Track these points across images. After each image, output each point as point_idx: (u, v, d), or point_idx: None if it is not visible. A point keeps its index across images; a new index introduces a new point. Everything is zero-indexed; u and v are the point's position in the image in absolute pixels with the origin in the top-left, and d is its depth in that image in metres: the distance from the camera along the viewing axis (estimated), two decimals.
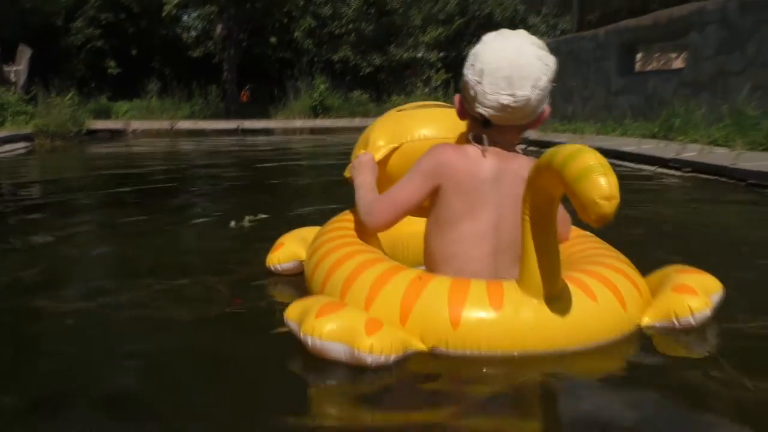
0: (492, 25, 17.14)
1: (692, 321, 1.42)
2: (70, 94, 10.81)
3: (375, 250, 1.63)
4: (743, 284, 1.74)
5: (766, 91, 5.44)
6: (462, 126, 1.75)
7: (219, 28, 15.06)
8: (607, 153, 5.15)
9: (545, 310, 1.32)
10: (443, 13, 17.04)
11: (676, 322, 1.43)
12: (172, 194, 4.14)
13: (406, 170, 1.68)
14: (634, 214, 2.66)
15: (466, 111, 1.60)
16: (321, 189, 4.35)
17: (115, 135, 10.96)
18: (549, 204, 1.27)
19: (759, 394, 1.13)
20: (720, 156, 4.13)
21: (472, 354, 1.30)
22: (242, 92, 18.02)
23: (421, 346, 1.32)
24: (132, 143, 9.60)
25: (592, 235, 1.76)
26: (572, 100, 9.51)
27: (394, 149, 1.86)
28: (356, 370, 1.26)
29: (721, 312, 1.48)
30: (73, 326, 1.58)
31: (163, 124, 11.59)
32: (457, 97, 1.62)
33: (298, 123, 11.84)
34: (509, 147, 1.58)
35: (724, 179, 3.69)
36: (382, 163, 1.87)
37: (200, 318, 1.62)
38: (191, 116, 13.46)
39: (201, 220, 3.17)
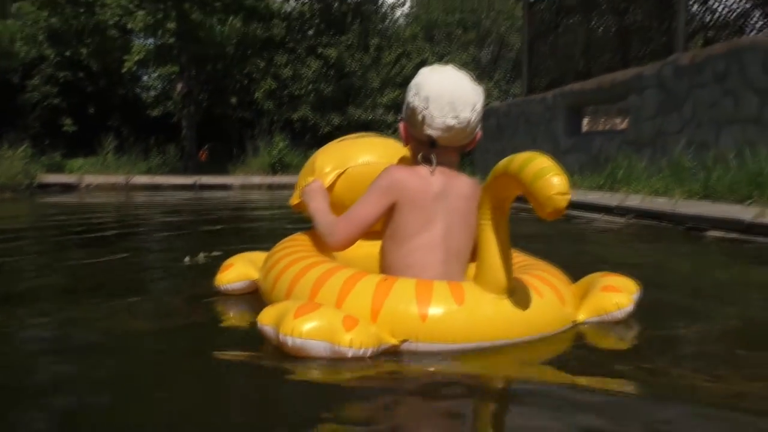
0: None
1: (619, 315, 1.69)
2: (22, 147, 10.66)
3: (335, 260, 1.76)
4: (668, 297, 2.05)
5: (700, 147, 5.78)
6: (396, 152, 2.01)
7: (179, 87, 15.18)
8: None
9: (502, 304, 1.48)
10: (400, 77, 17.63)
11: (606, 317, 1.68)
12: (126, 237, 4.11)
13: (352, 193, 1.90)
14: (582, 253, 2.78)
15: (411, 136, 1.79)
16: (277, 233, 4.36)
17: (67, 189, 10.75)
18: (503, 206, 1.47)
19: (676, 379, 1.31)
20: (660, 203, 4.35)
21: (438, 346, 1.43)
22: (201, 151, 18.03)
23: (392, 340, 1.42)
24: (85, 196, 9.44)
25: (521, 252, 1.97)
26: None
27: (340, 174, 2.02)
28: (316, 373, 1.32)
29: (648, 314, 1.74)
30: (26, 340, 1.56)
31: (118, 179, 11.43)
32: (402, 125, 1.81)
33: (257, 179, 11.87)
34: (452, 166, 1.78)
35: (664, 224, 3.87)
36: (330, 188, 2.02)
37: (157, 330, 1.64)
38: (148, 172, 13.35)
39: (155, 256, 3.17)
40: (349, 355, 1.35)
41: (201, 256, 2.82)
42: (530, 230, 3.73)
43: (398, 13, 21.73)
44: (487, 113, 11.39)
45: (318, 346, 1.34)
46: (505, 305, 1.48)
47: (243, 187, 11.39)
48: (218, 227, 4.90)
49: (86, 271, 2.60)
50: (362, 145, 2.11)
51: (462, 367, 1.41)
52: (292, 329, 1.34)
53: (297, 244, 1.93)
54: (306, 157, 14.56)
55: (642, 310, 1.75)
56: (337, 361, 1.35)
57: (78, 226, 4.85)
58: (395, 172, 1.74)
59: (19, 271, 2.60)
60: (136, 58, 13.98)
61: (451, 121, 1.68)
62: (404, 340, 1.43)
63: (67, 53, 15.73)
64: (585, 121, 10.85)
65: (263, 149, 14.04)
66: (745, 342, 1.61)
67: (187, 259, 2.79)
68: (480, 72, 19.43)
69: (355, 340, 1.35)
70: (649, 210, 4.16)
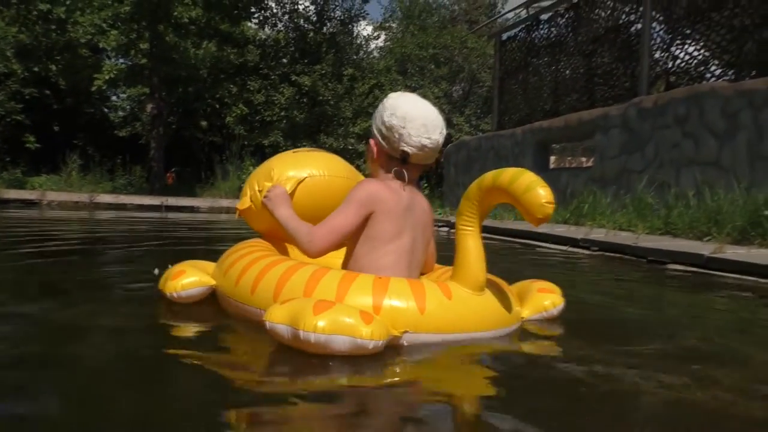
0: None
1: (554, 312, 1.97)
2: None
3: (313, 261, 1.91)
4: (627, 316, 2.10)
5: (661, 186, 5.97)
6: (345, 168, 2.25)
7: (149, 108, 15.07)
8: (522, 234, 5.48)
9: (481, 299, 1.70)
10: (373, 107, 17.81)
11: (545, 314, 1.96)
12: (91, 252, 4.03)
13: (310, 201, 2.07)
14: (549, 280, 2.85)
15: (382, 152, 1.93)
16: None
17: (28, 205, 10.50)
18: (484, 214, 1.74)
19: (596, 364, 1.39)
20: (623, 237, 4.47)
21: (433, 337, 1.60)
22: (168, 174, 17.84)
23: (395, 332, 1.55)
24: (47, 212, 9.22)
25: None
26: None
27: (300, 182, 2.10)
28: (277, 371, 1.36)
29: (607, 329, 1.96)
30: None
31: (82, 197, 11.20)
32: (372, 141, 1.95)
33: (225, 202, 11.77)
34: (414, 183, 1.96)
35: (627, 257, 3.98)
36: (290, 195, 2.08)
37: (121, 329, 1.68)
38: (113, 192, 13.13)
39: (122, 268, 3.11)
40: (370, 347, 1.45)
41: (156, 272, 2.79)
42: (502, 263, 3.81)
43: (373, 45, 22.12)
44: (458, 146, 11.59)
45: (341, 341, 1.43)
46: (485, 299, 1.71)
47: (211, 209, 11.29)
48: (189, 244, 4.86)
49: (43, 276, 2.55)
50: (317, 158, 2.22)
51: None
52: (314, 326, 1.43)
53: (260, 247, 2.02)
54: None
55: (603, 325, 2.02)
56: (304, 363, 1.44)
57: (41, 240, 4.75)
58: (370, 186, 1.87)
59: None
60: (107, 76, 13.85)
61: (425, 141, 1.86)
62: (405, 331, 1.57)
63: (36, 69, 15.47)
64: (552, 159, 11.12)
65: (233, 173, 13.97)
66: (698, 357, 1.70)
67: (156, 270, 2.75)
68: (451, 107, 19.81)
69: (375, 333, 1.45)
70: (612, 243, 4.28)
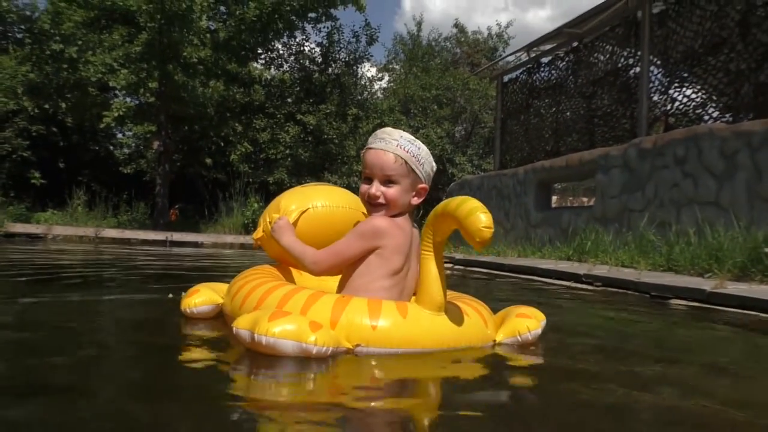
0: None
1: (529, 336, 2.04)
2: None
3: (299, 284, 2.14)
4: (633, 347, 2.14)
5: (662, 225, 6.05)
6: (349, 199, 2.42)
7: (155, 144, 15.29)
8: (525, 270, 5.54)
9: (438, 319, 1.84)
10: None
11: (519, 338, 2.03)
12: (104, 279, 4.08)
13: (312, 229, 2.29)
14: (551, 319, 2.91)
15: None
16: None
17: (34, 239, 10.59)
18: (443, 240, 1.87)
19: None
20: (626, 273, 4.53)
21: (385, 351, 1.75)
22: (171, 211, 17.97)
23: (347, 344, 1.74)
24: (52, 245, 9.30)
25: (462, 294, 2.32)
26: (495, 230, 10.09)
27: (303, 212, 2.32)
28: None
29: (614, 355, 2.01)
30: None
31: (87, 231, 11.30)
32: (424, 186, 2.08)
33: (229, 238, 11.85)
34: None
35: (630, 292, 4.04)
36: (293, 224, 2.30)
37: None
38: (118, 227, 13.22)
39: (136, 296, 3.18)
40: (314, 351, 1.64)
41: (183, 294, 2.88)
42: (503, 295, 3.86)
43: (376, 86, 22.52)
44: (461, 185, 11.73)
45: (287, 344, 1.64)
46: (441, 320, 1.85)
47: (215, 244, 11.35)
48: (196, 275, 4.91)
49: (65, 307, 2.61)
50: (322, 191, 2.44)
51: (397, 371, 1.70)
52: (266, 330, 1.64)
53: (264, 273, 2.25)
54: None
55: (608, 352, 2.08)
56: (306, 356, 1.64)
57: (51, 269, 4.81)
58: (379, 222, 2.01)
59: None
60: (116, 114, 14.09)
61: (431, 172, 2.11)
62: (357, 345, 1.73)
63: (46, 106, 15.77)
64: (554, 198, 11.24)
65: (237, 210, 14.09)
66: (702, 376, 1.76)
67: (170, 295, 2.87)
68: (454, 146, 20.05)
69: (320, 340, 1.64)
70: (616, 279, 4.34)
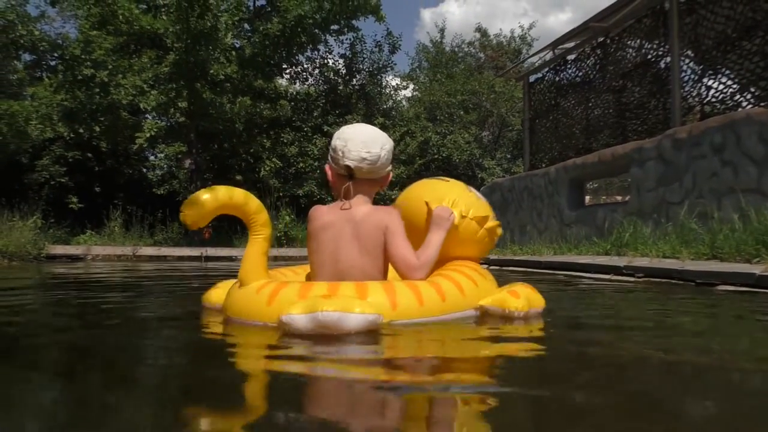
0: (451, 166, 18.18)
1: (515, 314, 2.13)
2: (33, 218, 10.82)
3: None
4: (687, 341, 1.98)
5: (702, 216, 5.88)
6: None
7: (187, 163, 15.54)
8: (564, 266, 5.43)
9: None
10: (404, 154, 18.06)
11: (501, 310, 2.13)
12: (146, 290, 4.13)
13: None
14: (594, 313, 2.82)
15: (334, 173, 2.28)
16: None
17: (74, 260, 10.81)
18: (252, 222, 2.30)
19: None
20: (669, 263, 4.40)
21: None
22: (204, 230, 18.16)
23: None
24: (92, 264, 9.48)
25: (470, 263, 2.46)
26: (528, 230, 9.96)
27: (463, 218, 2.41)
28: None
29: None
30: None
31: (125, 250, 11.51)
32: (327, 167, 2.30)
33: None
34: (369, 196, 2.29)
35: (674, 281, 3.92)
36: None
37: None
38: (153, 245, 13.44)
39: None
40: (370, 320, 1.79)
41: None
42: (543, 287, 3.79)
43: (401, 94, 22.57)
44: (492, 188, 11.62)
45: (352, 318, 1.79)
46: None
47: None
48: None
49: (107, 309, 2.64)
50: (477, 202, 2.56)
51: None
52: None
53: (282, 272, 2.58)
54: None
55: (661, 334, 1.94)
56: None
57: (96, 284, 4.89)
58: (313, 211, 2.35)
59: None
60: (148, 134, 14.37)
61: (365, 154, 2.19)
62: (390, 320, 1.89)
63: (81, 131, 16.17)
64: (587, 199, 11.04)
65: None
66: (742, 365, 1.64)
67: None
68: (482, 151, 19.92)
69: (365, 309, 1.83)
70: (658, 268, 4.22)
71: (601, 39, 9.47)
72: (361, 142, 2.19)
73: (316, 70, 19.78)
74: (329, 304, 1.75)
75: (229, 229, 17.61)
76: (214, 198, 2.05)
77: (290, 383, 1.37)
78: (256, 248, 2.16)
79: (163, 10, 14.32)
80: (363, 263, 2.16)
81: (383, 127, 18.28)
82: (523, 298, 2.19)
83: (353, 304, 1.77)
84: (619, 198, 14.82)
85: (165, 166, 21.27)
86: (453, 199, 2.41)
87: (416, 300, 1.93)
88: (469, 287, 2.12)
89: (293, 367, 1.53)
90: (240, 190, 2.16)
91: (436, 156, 18.64)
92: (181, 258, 11.15)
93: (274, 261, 11.13)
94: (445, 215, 2.30)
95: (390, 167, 2.34)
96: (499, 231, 2.57)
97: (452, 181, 2.59)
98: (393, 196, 16.92)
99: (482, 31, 26.21)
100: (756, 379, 1.46)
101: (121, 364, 1.61)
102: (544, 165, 10.72)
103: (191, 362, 1.68)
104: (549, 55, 11.11)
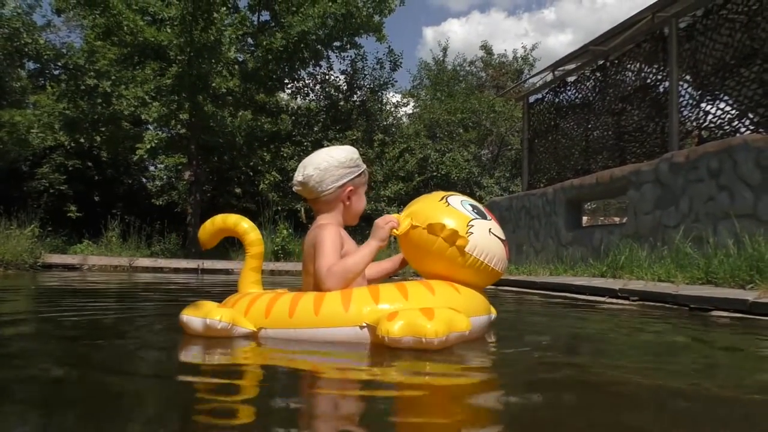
0: (449, 184, 18.24)
1: (431, 341, 1.82)
2: (30, 227, 10.81)
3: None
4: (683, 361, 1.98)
5: (698, 240, 5.89)
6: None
7: (187, 174, 15.57)
8: (559, 287, 5.43)
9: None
10: (403, 171, 18.12)
11: (418, 339, 1.86)
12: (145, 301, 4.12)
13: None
14: (583, 333, 2.82)
15: None
16: None
17: (70, 269, 10.80)
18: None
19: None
20: (664, 287, 4.41)
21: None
22: None
23: (251, 326, 2.11)
24: (88, 274, 9.46)
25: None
26: (525, 250, 9.97)
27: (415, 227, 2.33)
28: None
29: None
30: None
31: (121, 261, 11.49)
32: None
33: None
34: (317, 215, 2.40)
35: (668, 305, 3.93)
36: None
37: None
38: (150, 256, 13.42)
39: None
40: (218, 327, 2.04)
41: None
42: (533, 310, 3.79)
43: (402, 111, 22.69)
44: (490, 207, 11.65)
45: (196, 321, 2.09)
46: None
47: None
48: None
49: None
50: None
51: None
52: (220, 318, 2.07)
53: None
54: None
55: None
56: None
57: (95, 292, 4.88)
58: None
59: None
60: (149, 146, 14.40)
61: (298, 177, 2.33)
62: (261, 328, 2.05)
63: (81, 140, 16.21)
64: (584, 219, 11.08)
65: (267, 237, 14.19)
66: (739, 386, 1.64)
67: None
68: (481, 169, 20.00)
69: (224, 317, 2.06)
70: (653, 292, 4.23)
71: (601, 62, 9.55)
72: (301, 165, 2.34)
73: (317, 86, 19.90)
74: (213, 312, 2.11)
75: (225, 241, 17.60)
76: (211, 224, 2.53)
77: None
78: (248, 264, 2.50)
79: (168, 22, 14.43)
80: (312, 278, 2.27)
81: (383, 144, 18.37)
82: (438, 319, 1.85)
83: (215, 313, 2.06)
84: (616, 219, 14.88)
85: (165, 177, 21.33)
86: (412, 210, 2.26)
87: (288, 311, 2.03)
88: (360, 302, 1.96)
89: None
90: (234, 215, 2.53)
91: (434, 173, 18.73)
92: (178, 270, 11.13)
93: (271, 275, 11.13)
94: (382, 224, 2.19)
95: (338, 185, 2.29)
96: (461, 242, 2.13)
97: (434, 192, 2.42)
98: (391, 211, 16.96)
99: (487, 49, 26.41)
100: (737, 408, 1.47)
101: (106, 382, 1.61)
102: (542, 185, 10.76)
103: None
104: (549, 77, 11.20)
